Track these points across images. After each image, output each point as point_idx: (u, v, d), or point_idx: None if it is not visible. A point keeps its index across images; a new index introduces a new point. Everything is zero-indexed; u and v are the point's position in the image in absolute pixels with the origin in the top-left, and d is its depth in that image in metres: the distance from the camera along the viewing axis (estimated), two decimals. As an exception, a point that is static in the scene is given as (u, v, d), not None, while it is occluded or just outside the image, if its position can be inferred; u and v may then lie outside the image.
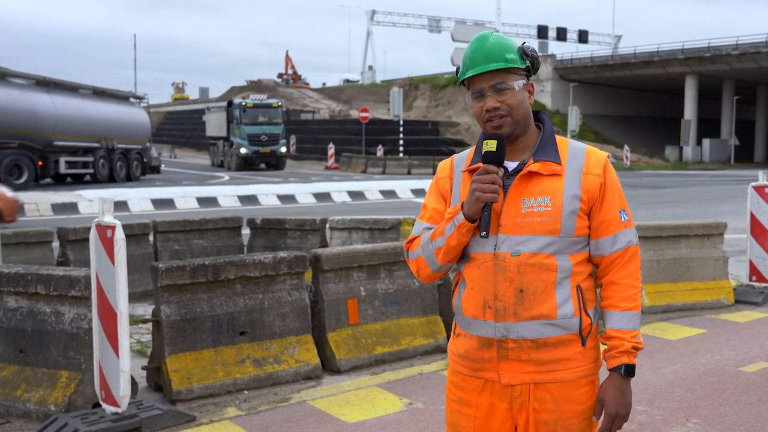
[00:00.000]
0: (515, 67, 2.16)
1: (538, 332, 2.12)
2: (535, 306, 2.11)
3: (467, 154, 2.30)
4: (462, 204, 2.15)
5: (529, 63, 2.19)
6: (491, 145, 2.13)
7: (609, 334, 2.19)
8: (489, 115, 2.16)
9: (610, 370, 2.18)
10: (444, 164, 2.35)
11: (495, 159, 2.12)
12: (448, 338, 6.26)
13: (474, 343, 2.19)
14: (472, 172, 2.21)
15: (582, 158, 2.19)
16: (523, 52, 2.19)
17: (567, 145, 2.22)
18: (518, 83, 2.16)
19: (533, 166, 2.15)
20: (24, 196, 18.57)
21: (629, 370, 2.16)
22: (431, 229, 2.25)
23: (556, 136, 2.24)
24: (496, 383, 2.18)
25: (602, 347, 2.25)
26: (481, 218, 2.12)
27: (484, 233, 2.11)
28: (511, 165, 2.19)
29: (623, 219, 2.20)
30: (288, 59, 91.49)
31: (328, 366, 5.61)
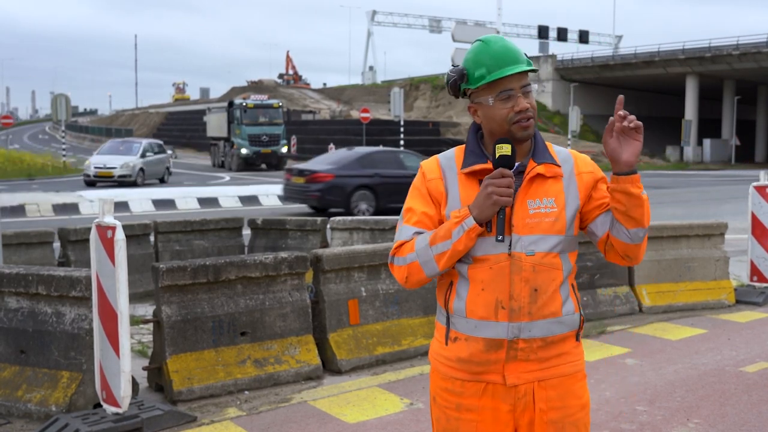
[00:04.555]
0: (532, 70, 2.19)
1: (549, 330, 2.15)
2: (546, 305, 2.14)
3: (454, 153, 2.26)
4: (469, 207, 2.12)
5: None
6: (506, 149, 2.11)
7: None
8: (520, 116, 2.14)
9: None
10: (431, 165, 2.27)
11: (508, 162, 2.11)
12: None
13: (480, 346, 2.16)
14: (474, 174, 2.18)
15: (571, 161, 2.25)
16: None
17: (552, 148, 2.25)
18: (534, 86, 2.19)
19: (539, 168, 2.17)
20: (25, 197, 18.59)
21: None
22: (421, 233, 2.19)
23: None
24: (498, 385, 2.16)
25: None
26: (497, 222, 2.10)
27: (500, 237, 2.10)
28: None
29: None
30: (288, 60, 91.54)
31: (329, 366, 5.61)
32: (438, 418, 2.27)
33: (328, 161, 17.02)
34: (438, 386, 2.26)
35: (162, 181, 27.01)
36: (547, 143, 2.26)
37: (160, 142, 30.50)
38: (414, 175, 2.39)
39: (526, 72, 2.15)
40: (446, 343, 2.22)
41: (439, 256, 2.13)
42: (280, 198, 18.62)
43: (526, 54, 2.21)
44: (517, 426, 2.18)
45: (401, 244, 2.22)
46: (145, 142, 28.21)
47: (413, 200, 2.26)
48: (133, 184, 24.49)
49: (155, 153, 27.41)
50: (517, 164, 2.18)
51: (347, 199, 15.77)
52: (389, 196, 15.84)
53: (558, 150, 2.25)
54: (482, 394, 2.18)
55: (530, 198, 2.15)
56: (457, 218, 2.12)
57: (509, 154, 2.11)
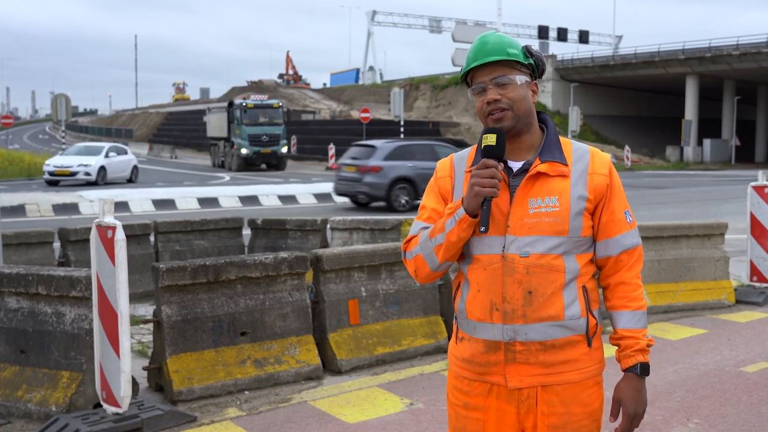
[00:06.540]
0: (517, 62, 2.15)
1: (547, 334, 2.11)
2: (543, 307, 2.10)
3: (468, 153, 2.27)
4: (462, 199, 2.12)
5: (533, 62, 2.19)
6: (491, 139, 2.10)
7: (621, 335, 2.18)
8: (490, 108, 2.14)
9: (625, 370, 2.17)
10: (444, 163, 2.31)
11: (495, 153, 2.09)
12: (449, 339, 6.27)
13: (480, 347, 2.16)
14: None
15: (587, 159, 2.19)
16: (528, 51, 2.19)
17: (570, 146, 2.21)
18: (520, 78, 2.15)
19: (541, 167, 2.13)
20: (25, 197, 18.58)
21: (645, 369, 2.17)
22: (428, 228, 2.23)
23: (560, 137, 2.23)
24: (502, 387, 2.15)
25: (609, 347, 2.24)
26: (481, 213, 2.09)
27: (483, 228, 2.08)
28: (515, 165, 2.17)
29: (628, 220, 2.22)
30: (288, 60, 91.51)
31: (329, 366, 5.61)
32: (450, 414, 2.31)
33: None
34: (450, 383, 2.30)
35: None
36: (564, 140, 2.21)
37: None
38: None
39: (501, 64, 2.14)
40: (456, 342, 2.27)
41: (437, 248, 2.16)
42: None
43: (528, 48, 2.19)
44: (523, 428, 2.17)
45: (410, 239, 2.27)
46: None
47: (426, 197, 2.31)
48: None
49: None
50: (522, 162, 2.17)
51: None
52: None
53: (576, 147, 2.21)
54: (488, 395, 2.18)
55: (532, 197, 2.12)
56: (450, 209, 2.15)
57: (494, 144, 2.09)
